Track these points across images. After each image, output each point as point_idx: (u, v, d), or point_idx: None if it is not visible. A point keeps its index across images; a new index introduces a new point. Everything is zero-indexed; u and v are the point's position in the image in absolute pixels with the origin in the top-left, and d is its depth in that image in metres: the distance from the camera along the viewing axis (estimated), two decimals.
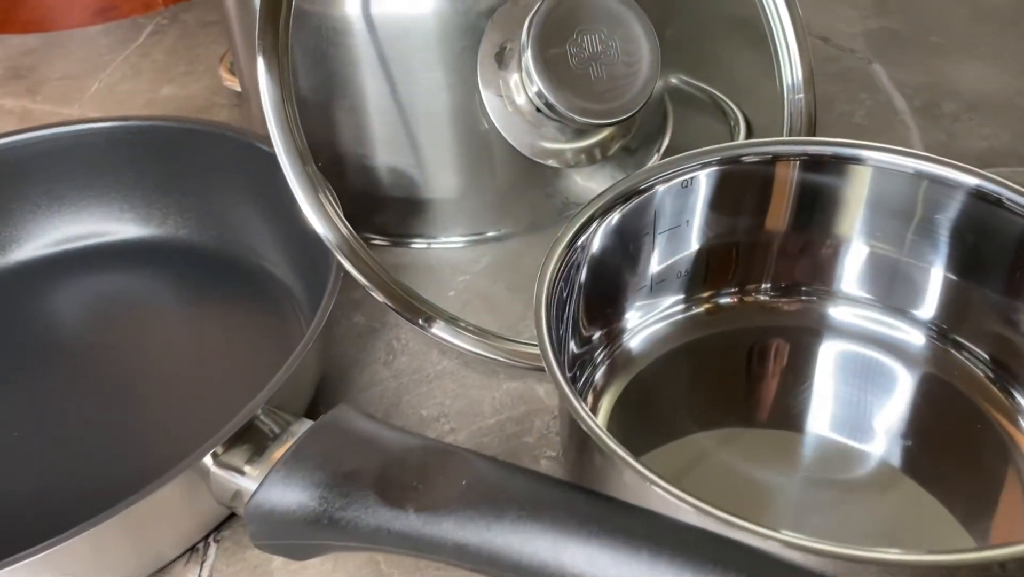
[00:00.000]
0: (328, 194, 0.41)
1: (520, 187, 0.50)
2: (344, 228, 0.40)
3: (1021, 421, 0.38)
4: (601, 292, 0.41)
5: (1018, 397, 0.39)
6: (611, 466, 0.30)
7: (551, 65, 0.40)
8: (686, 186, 0.40)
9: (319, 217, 0.40)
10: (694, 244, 0.42)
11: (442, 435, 0.42)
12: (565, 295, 0.38)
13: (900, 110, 0.61)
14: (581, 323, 0.40)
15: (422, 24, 0.45)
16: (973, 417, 0.38)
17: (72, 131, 0.50)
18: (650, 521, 0.28)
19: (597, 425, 0.30)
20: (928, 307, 0.41)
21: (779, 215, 0.43)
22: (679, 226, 0.41)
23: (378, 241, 0.52)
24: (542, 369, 0.33)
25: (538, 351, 0.33)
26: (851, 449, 0.38)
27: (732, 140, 0.55)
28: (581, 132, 0.44)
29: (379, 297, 0.40)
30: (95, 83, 0.70)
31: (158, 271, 0.50)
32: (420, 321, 0.41)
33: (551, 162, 0.44)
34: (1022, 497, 0.36)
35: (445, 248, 0.52)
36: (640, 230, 0.41)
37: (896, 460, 0.38)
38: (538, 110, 0.42)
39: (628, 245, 0.41)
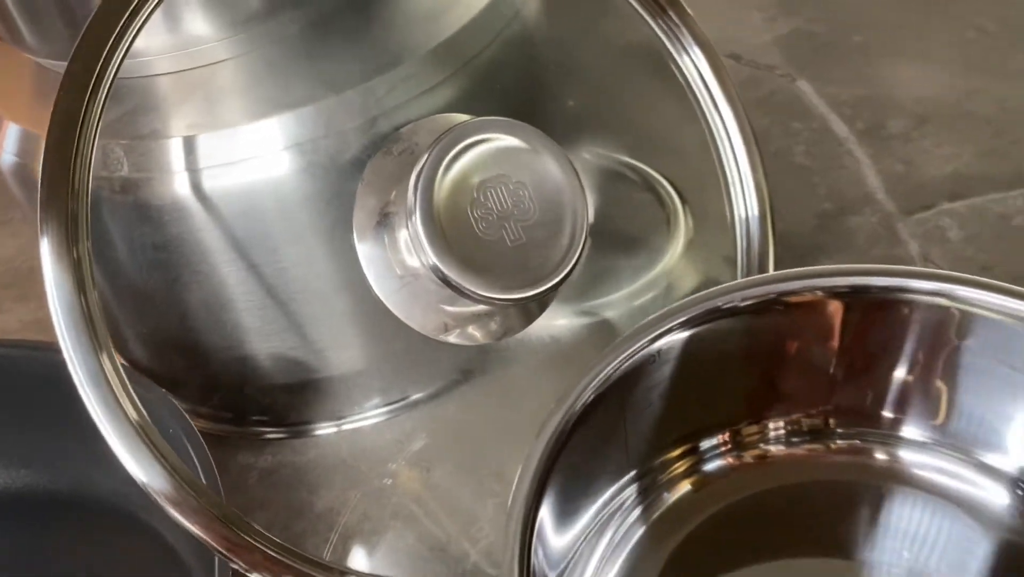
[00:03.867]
0: (143, 422, 0.30)
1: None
2: (166, 472, 0.29)
3: None
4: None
5: None
6: None
7: (453, 241, 0.30)
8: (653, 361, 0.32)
9: (134, 457, 0.29)
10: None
11: None
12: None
13: (842, 137, 0.53)
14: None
15: (274, 193, 0.35)
16: None
17: None
18: None
19: None
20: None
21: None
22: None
23: (273, 435, 0.42)
24: None
25: None
26: None
27: (670, 229, 0.46)
28: None
29: None
30: None
31: None
32: None
33: (457, 339, 0.34)
34: None
35: (360, 427, 0.42)
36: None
37: None
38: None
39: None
